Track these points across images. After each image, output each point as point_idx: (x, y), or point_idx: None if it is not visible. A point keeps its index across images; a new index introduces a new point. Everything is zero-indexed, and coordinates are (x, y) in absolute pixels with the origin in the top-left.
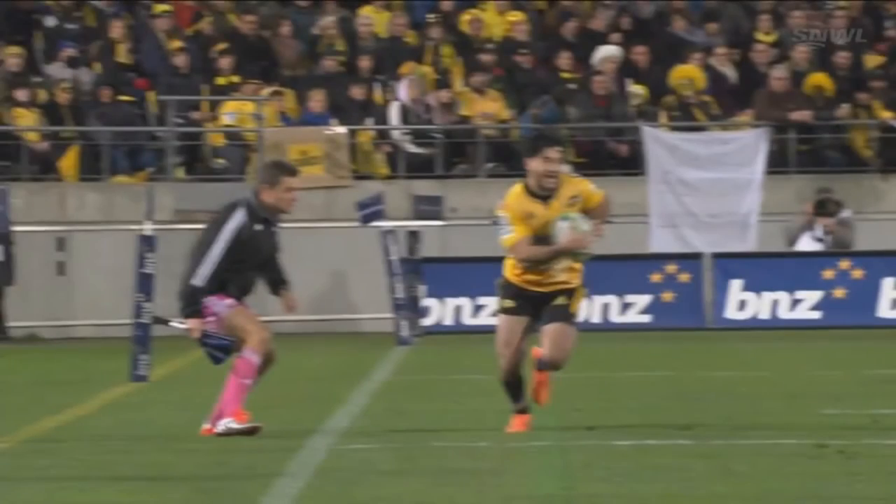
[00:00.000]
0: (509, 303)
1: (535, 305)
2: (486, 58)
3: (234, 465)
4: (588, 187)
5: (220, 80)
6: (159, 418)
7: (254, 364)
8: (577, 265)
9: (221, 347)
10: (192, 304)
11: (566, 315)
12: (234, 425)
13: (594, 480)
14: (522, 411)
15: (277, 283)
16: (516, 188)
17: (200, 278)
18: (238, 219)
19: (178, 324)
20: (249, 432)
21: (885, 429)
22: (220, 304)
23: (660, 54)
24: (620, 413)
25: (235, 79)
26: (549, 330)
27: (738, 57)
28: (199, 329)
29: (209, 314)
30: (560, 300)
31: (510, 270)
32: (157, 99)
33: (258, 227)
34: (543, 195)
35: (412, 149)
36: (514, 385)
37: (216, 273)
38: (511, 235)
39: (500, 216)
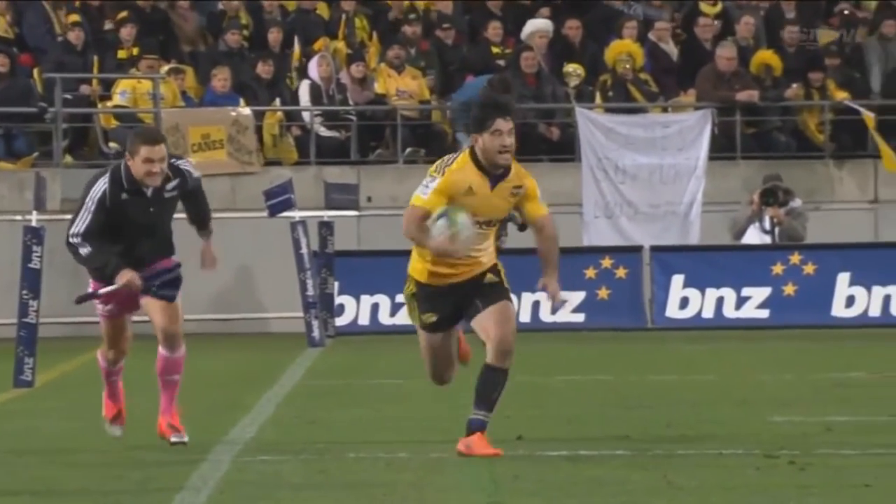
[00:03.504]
0: (430, 317)
1: (456, 303)
2: (409, 29)
3: (129, 480)
4: (535, 190)
5: (122, 54)
6: (46, 427)
7: (102, 367)
8: (488, 243)
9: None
10: (98, 259)
11: (504, 292)
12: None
13: (524, 494)
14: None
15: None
16: (464, 156)
17: (76, 235)
18: (100, 186)
19: (110, 288)
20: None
21: (839, 437)
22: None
23: (595, 29)
24: (552, 421)
25: (136, 52)
26: (493, 310)
27: (680, 32)
28: (134, 277)
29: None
30: (490, 278)
31: (417, 266)
32: (43, 77)
33: (125, 196)
34: (494, 173)
35: (324, 132)
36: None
37: (93, 231)
38: (422, 197)
39: (431, 177)
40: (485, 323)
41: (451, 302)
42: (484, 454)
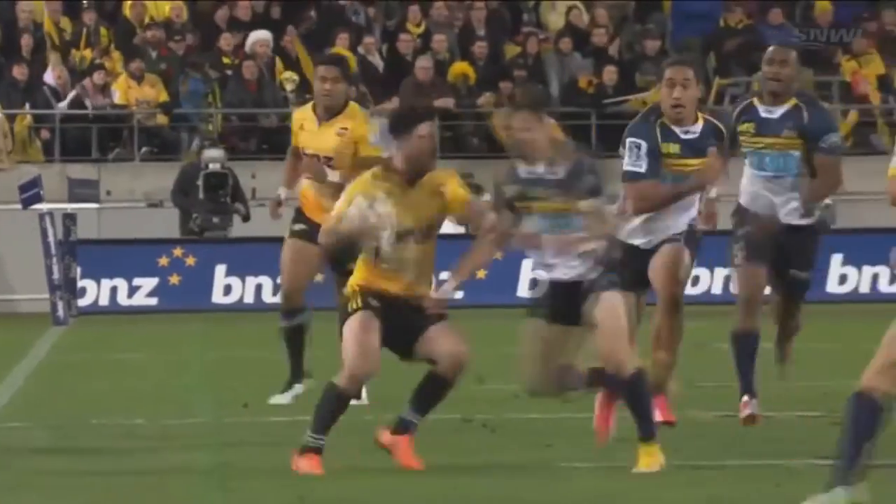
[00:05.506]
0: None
1: (395, 321)
2: (149, 34)
3: None
4: (455, 185)
5: None
6: None
7: None
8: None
9: None
10: None
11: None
12: None
13: (250, 456)
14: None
15: None
16: (376, 170)
17: None
18: None
19: None
20: None
21: (525, 403)
22: None
23: (313, 39)
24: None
25: None
26: (446, 329)
27: (385, 46)
28: None
29: None
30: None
31: (360, 275)
32: None
33: None
34: (410, 176)
35: (63, 106)
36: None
37: None
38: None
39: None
40: (439, 339)
41: (392, 316)
42: (408, 465)
